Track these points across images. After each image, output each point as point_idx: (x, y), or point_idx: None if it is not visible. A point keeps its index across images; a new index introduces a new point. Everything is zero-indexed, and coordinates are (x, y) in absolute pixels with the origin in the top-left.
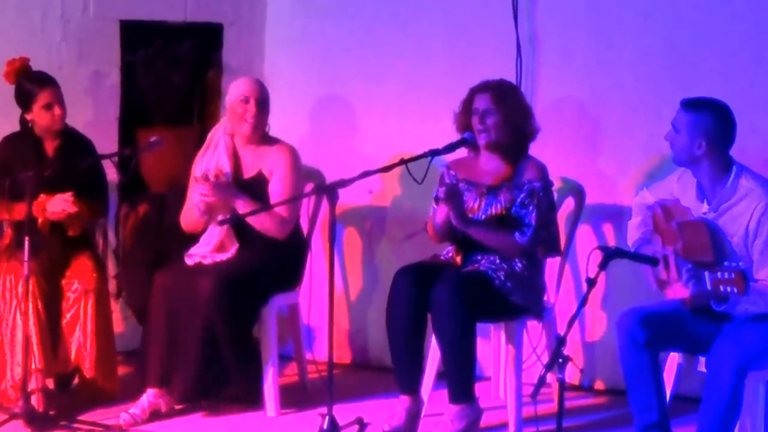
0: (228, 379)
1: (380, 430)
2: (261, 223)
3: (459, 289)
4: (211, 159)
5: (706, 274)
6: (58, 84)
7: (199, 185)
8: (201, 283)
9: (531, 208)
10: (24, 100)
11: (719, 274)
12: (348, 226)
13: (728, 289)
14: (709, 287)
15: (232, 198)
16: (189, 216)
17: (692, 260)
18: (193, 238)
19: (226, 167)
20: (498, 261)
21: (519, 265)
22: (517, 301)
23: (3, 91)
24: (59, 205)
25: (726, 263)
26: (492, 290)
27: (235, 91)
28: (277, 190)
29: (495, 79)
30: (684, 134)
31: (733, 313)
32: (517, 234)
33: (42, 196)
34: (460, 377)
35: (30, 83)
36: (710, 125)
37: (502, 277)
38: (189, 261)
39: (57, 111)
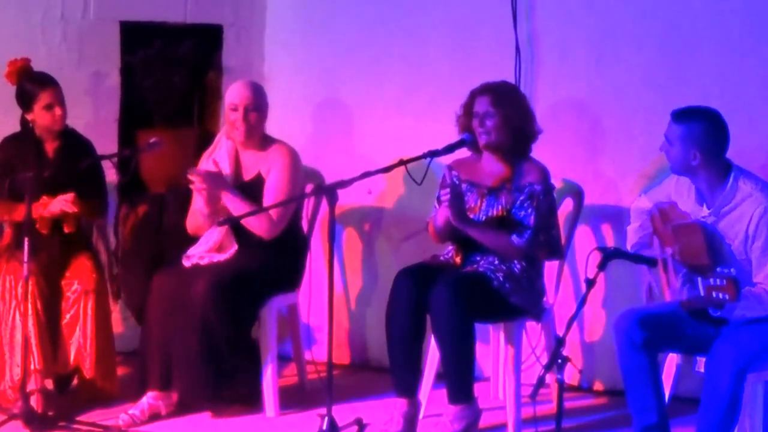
0: (227, 380)
1: None
2: (249, 221)
3: (457, 289)
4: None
5: (699, 280)
6: (59, 84)
7: (193, 176)
8: (195, 286)
9: (530, 210)
10: (25, 100)
11: (711, 280)
12: (347, 226)
13: (720, 295)
14: (702, 293)
15: (220, 188)
16: (194, 219)
17: (688, 263)
18: (192, 239)
19: (227, 169)
20: (497, 262)
21: (518, 266)
22: (515, 302)
23: (3, 92)
24: (58, 205)
25: (719, 269)
26: (490, 291)
27: (227, 97)
28: (270, 189)
29: (496, 81)
30: (677, 146)
31: (729, 318)
32: (514, 236)
33: (44, 198)
34: (459, 378)
35: (31, 83)
36: (702, 135)
37: (501, 278)
38: (186, 263)
39: (58, 111)
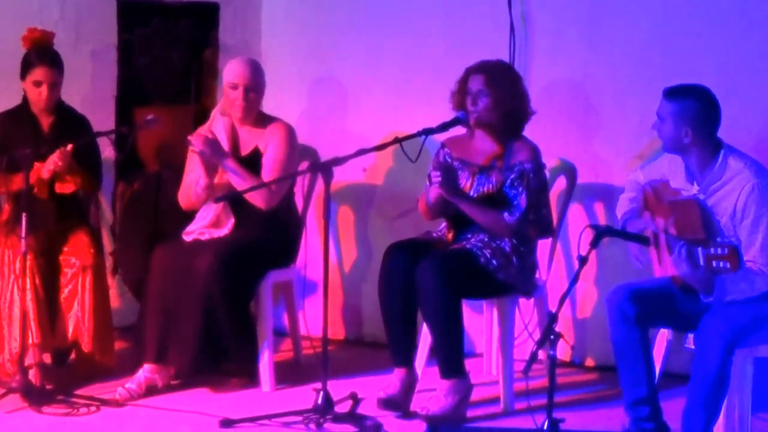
0: (225, 355)
1: (375, 398)
2: (248, 192)
3: (441, 267)
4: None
5: (699, 250)
6: (58, 68)
7: (192, 138)
8: (199, 260)
9: (521, 189)
10: (22, 68)
11: (712, 249)
12: (342, 203)
13: (721, 264)
14: (701, 263)
15: (219, 155)
16: (188, 192)
17: (684, 238)
18: (189, 216)
19: (224, 144)
20: (486, 239)
21: (508, 243)
22: (503, 279)
23: (3, 67)
24: (50, 164)
25: (719, 239)
26: (476, 268)
27: (226, 75)
28: (269, 162)
29: (492, 60)
30: (669, 124)
31: (720, 303)
32: (506, 213)
33: (37, 165)
34: (449, 353)
35: (33, 55)
36: (694, 113)
37: (488, 255)
38: (187, 238)
39: (44, 91)
